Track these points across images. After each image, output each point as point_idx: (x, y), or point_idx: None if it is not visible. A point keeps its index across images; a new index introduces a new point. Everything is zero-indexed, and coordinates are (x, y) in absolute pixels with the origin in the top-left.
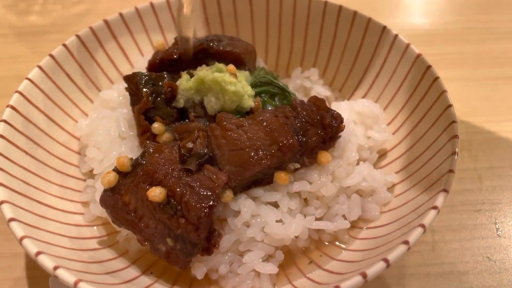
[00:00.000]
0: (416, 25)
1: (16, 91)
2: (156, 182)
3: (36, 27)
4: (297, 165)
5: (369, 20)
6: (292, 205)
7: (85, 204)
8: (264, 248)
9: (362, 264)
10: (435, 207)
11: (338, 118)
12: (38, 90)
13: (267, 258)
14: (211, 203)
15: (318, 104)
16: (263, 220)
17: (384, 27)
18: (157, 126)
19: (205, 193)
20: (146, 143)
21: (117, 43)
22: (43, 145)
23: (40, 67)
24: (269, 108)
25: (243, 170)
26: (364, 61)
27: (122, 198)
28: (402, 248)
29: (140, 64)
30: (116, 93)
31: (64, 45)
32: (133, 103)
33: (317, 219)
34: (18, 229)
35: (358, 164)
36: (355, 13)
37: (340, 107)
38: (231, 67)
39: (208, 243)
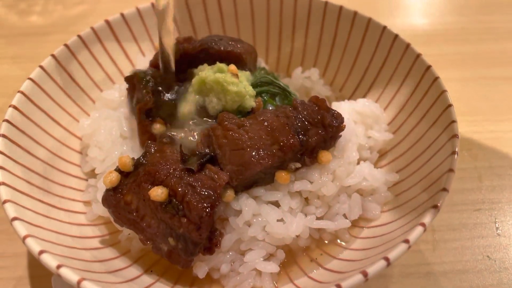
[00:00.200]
0: (416, 26)
1: (19, 91)
2: (158, 182)
3: (37, 27)
4: (298, 165)
5: (369, 20)
6: (293, 204)
7: (87, 203)
8: (266, 247)
9: (363, 263)
10: (435, 206)
11: (339, 118)
12: (40, 90)
13: (269, 257)
14: (212, 202)
15: (318, 104)
16: (264, 219)
17: (384, 27)
18: (158, 127)
19: (206, 192)
20: (148, 143)
21: (118, 43)
22: (45, 144)
23: (42, 67)
24: (270, 108)
25: (244, 170)
26: (365, 61)
27: (124, 198)
28: (402, 246)
29: (142, 64)
30: (118, 93)
31: (66, 45)
32: (134, 102)
33: (318, 218)
34: (21, 228)
35: (358, 163)
36: (355, 13)
37: (341, 107)
38: (233, 67)
39: (209, 242)
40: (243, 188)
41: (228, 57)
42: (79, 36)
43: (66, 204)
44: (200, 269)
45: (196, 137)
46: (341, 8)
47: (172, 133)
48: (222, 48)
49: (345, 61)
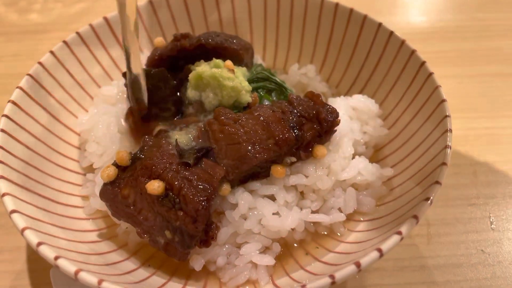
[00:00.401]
0: (414, 23)
1: (17, 87)
2: (154, 176)
3: (37, 25)
4: (294, 159)
5: (365, 17)
6: (289, 198)
7: (85, 197)
8: (261, 240)
9: (357, 255)
10: (427, 199)
11: (334, 113)
12: (38, 85)
13: (264, 250)
14: (208, 195)
15: (314, 99)
16: (260, 213)
17: (380, 24)
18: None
19: (202, 186)
20: (145, 137)
21: (116, 40)
22: (44, 139)
23: (40, 63)
24: (266, 103)
25: (240, 164)
26: (360, 58)
27: (121, 192)
28: (395, 238)
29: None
30: (116, 89)
31: (65, 42)
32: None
33: (313, 212)
34: (19, 221)
35: (353, 158)
36: (351, 10)
37: (336, 102)
38: (229, 63)
39: (206, 235)
40: (239, 182)
41: (225, 53)
42: (77, 33)
43: (64, 198)
44: (197, 262)
45: (193, 131)
46: (337, 5)
47: (169, 128)
48: (219, 44)
49: (342, 58)
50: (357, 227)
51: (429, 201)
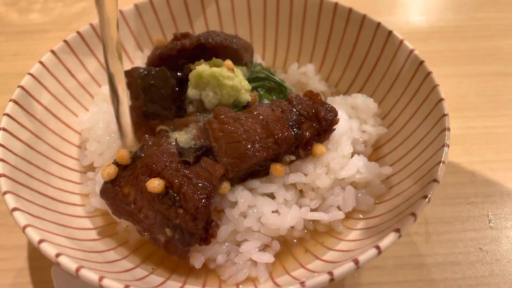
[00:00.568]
0: (414, 23)
1: (19, 86)
2: (154, 174)
3: (37, 25)
4: (293, 157)
5: (364, 16)
6: (288, 196)
7: (86, 196)
8: (261, 238)
9: (356, 253)
10: (425, 197)
11: (332, 111)
12: (39, 85)
13: (264, 248)
14: (208, 193)
15: (313, 98)
16: (260, 211)
17: (379, 24)
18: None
19: (202, 184)
20: (145, 136)
21: None
22: (45, 138)
23: (41, 63)
24: (266, 102)
25: (240, 162)
26: (360, 57)
27: (121, 190)
28: (393, 235)
29: (140, 60)
30: None
31: (65, 41)
32: (133, 97)
33: (312, 210)
34: (21, 218)
35: (352, 157)
36: (350, 10)
37: (335, 101)
38: (229, 62)
39: (206, 233)
40: (239, 180)
41: (224, 53)
42: (78, 32)
43: (65, 196)
44: (197, 260)
45: (193, 130)
46: (336, 4)
47: (169, 126)
48: (219, 43)
49: (341, 57)
50: (356, 225)
51: (427, 199)
